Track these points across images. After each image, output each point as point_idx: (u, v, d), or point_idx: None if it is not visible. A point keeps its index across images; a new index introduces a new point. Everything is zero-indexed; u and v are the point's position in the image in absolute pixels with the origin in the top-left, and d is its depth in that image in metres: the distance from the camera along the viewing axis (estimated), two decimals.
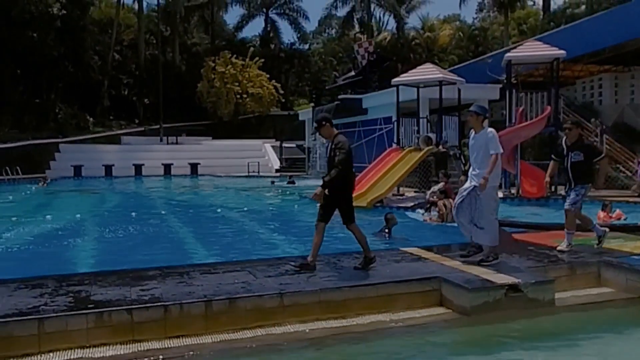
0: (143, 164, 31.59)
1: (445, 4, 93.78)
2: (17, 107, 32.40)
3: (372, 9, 53.68)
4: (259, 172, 33.06)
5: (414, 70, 16.67)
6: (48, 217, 12.02)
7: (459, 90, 16.39)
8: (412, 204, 13.28)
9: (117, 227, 10.71)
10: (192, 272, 6.05)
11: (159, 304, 4.88)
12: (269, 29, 53.73)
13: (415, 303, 5.62)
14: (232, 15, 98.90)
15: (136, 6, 47.14)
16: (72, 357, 4.48)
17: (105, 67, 40.18)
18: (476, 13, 65.44)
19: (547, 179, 7.78)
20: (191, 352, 4.63)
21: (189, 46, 50.15)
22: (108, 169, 30.89)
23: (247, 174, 32.52)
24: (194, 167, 32.63)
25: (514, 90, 15.74)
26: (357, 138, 24.12)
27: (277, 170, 34.40)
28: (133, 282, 5.63)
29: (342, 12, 53.75)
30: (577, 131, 7.27)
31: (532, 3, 59.46)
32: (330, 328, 5.19)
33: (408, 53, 54.10)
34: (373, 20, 54.52)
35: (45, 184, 22.23)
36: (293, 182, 24.64)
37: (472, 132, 6.57)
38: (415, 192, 16.90)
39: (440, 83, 15.55)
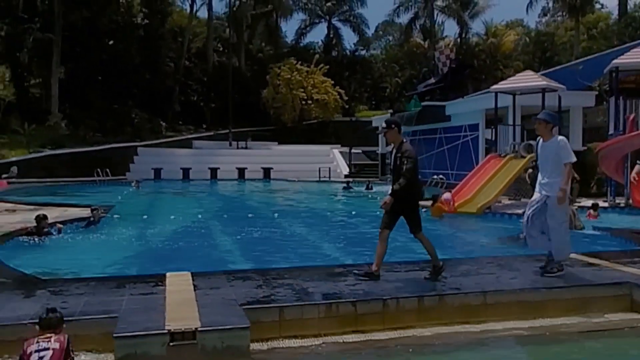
0: (218, 168, 32.47)
1: (510, 9, 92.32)
2: (100, 112, 33.93)
3: (435, 16, 53.51)
4: (330, 177, 33.46)
5: (512, 78, 16.65)
6: (172, 217, 12.62)
7: (559, 97, 16.21)
8: (521, 211, 13.23)
9: (243, 227, 11.17)
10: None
11: (378, 297, 5.17)
12: (331, 35, 54.28)
13: (605, 307, 5.69)
14: (292, 23, 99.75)
15: (203, 14, 48.86)
16: (306, 344, 4.81)
17: (177, 74, 41.56)
18: (539, 17, 63.89)
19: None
20: (407, 344, 4.88)
21: (254, 53, 51.21)
22: (185, 172, 31.88)
23: (318, 179, 32.96)
24: (266, 171, 33.29)
25: (620, 98, 15.46)
26: (437, 145, 24.16)
27: (345, 176, 34.63)
28: (331, 278, 5.95)
29: (403, 18, 53.87)
30: None
31: (599, 6, 57.45)
32: (528, 328, 5.34)
33: (471, 59, 53.63)
34: (435, 26, 54.32)
35: (138, 186, 23.26)
36: (371, 188, 24.83)
37: (540, 140, 6.38)
38: (509, 199, 16.81)
39: (543, 90, 15.43)
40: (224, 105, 46.30)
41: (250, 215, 13.22)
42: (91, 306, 4.80)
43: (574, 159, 6.09)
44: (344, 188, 25.88)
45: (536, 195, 6.32)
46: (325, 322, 4.96)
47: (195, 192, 23.52)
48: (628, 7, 47.23)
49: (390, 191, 5.96)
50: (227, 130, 42.08)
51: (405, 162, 5.81)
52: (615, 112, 15.42)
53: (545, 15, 62.60)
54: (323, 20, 54.61)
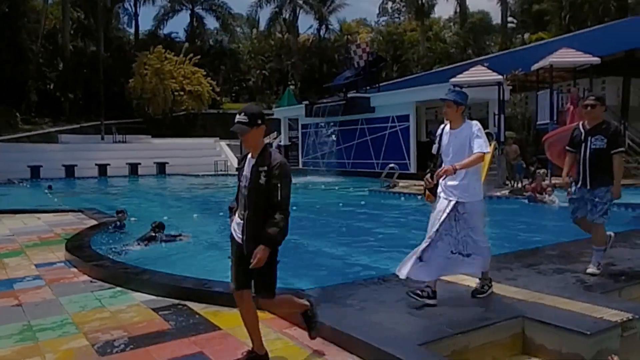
0: (109, 164, 29.42)
1: (356, 8, 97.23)
2: None
3: (297, 11, 54.48)
4: (227, 170, 32.48)
5: (468, 72, 17.88)
6: (195, 215, 11.27)
7: (503, 91, 17.92)
8: (501, 193, 14.69)
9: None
10: None
11: None
12: (195, 24, 52.14)
13: None
14: (150, 10, 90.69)
15: None
16: None
17: (33, 59, 36.55)
18: (378, 17, 68.92)
19: (566, 178, 5.96)
20: None
21: (113, 39, 47.07)
22: (69, 169, 28.33)
23: (215, 172, 31.81)
24: (161, 166, 31.08)
25: (554, 92, 17.69)
26: (359, 135, 24.93)
27: (237, 169, 33.90)
28: None
29: (265, 11, 53.98)
30: (600, 110, 5.58)
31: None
32: None
33: (332, 54, 55.92)
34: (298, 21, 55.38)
35: (51, 188, 19.96)
36: None
37: (447, 127, 4.88)
38: None
39: (499, 84, 16.96)
40: (84, 96, 41.93)
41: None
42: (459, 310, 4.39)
43: (489, 150, 4.95)
44: None
45: (439, 204, 4.78)
46: None
47: (130, 189, 20.83)
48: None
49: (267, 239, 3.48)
50: (93, 123, 38.38)
51: (279, 183, 3.55)
52: (550, 105, 17.58)
53: (385, 14, 68.05)
54: (185, 8, 52.14)
